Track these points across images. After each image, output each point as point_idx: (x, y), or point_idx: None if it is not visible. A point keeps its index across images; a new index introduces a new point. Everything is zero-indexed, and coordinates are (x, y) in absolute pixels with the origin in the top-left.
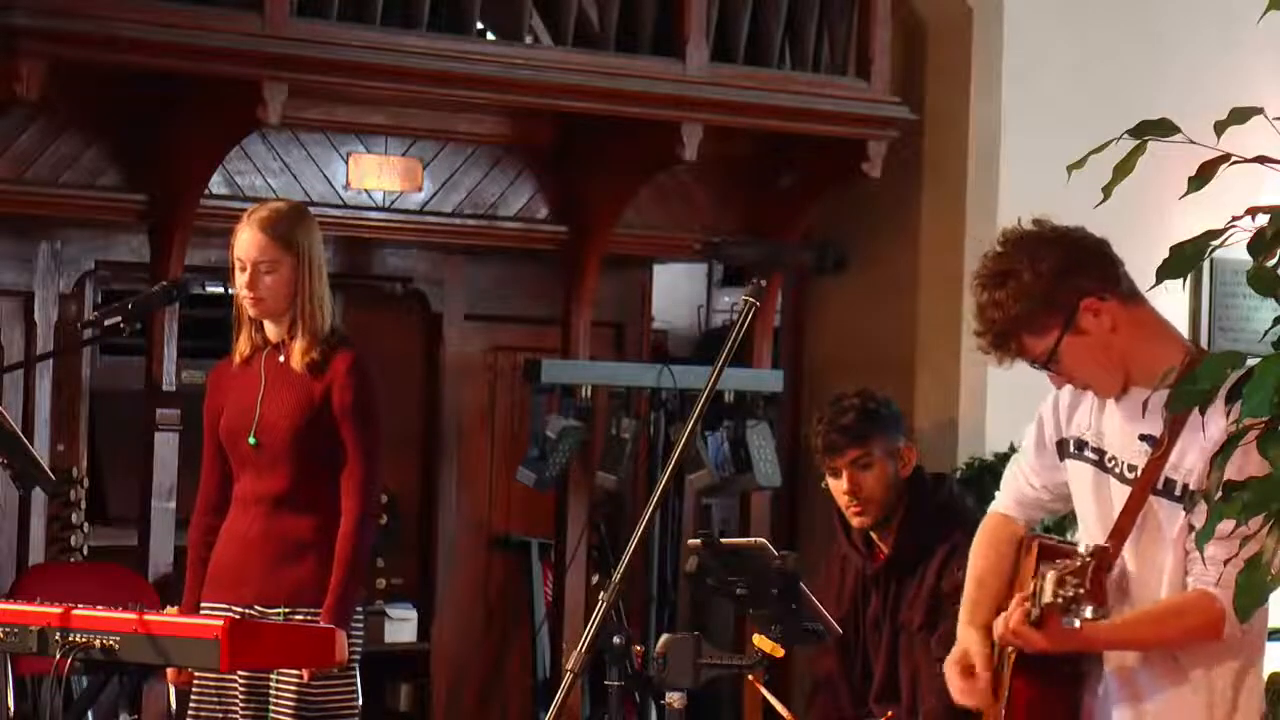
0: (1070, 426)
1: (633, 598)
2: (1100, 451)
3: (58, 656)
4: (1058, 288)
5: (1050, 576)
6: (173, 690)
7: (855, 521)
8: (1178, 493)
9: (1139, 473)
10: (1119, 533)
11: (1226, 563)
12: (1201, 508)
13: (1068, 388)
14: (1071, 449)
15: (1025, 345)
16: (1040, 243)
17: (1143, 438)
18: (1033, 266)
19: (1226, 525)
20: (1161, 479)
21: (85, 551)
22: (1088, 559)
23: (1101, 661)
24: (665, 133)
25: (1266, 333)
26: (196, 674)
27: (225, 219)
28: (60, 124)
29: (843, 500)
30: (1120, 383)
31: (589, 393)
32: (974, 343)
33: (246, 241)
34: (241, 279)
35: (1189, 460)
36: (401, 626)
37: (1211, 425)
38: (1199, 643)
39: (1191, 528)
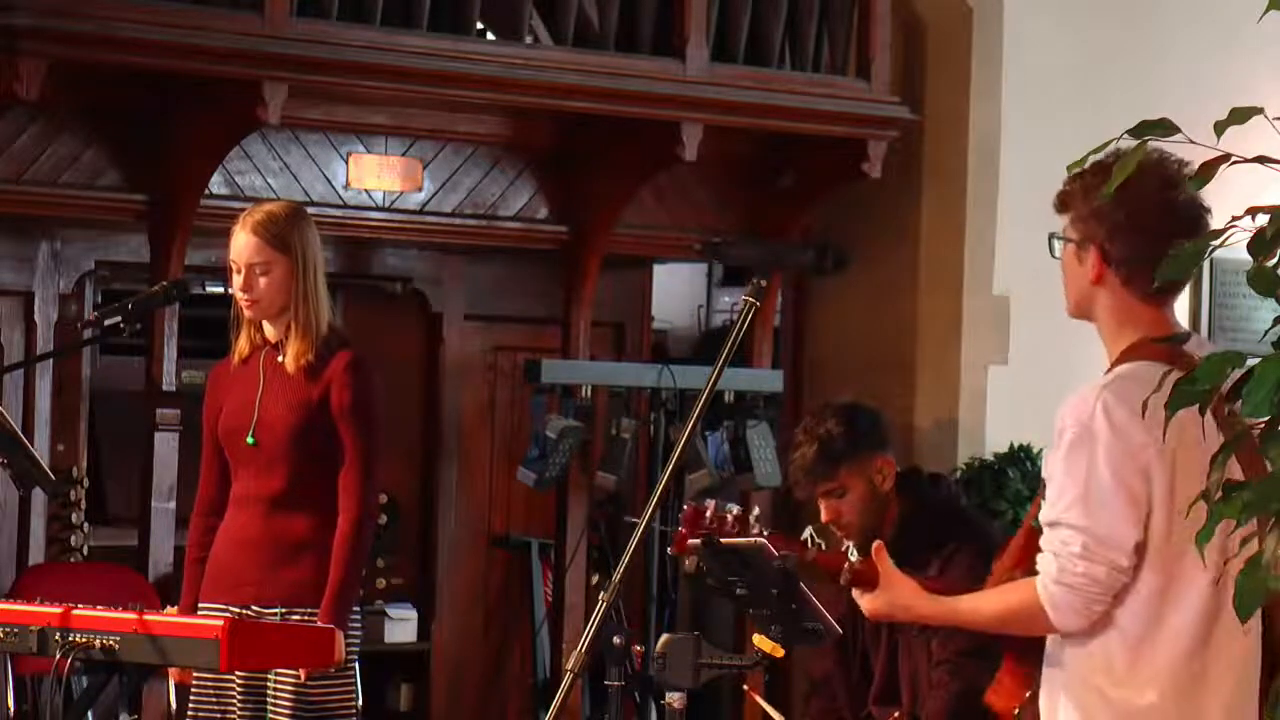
0: None
1: (633, 598)
2: None
3: (58, 656)
4: (1098, 211)
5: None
6: (173, 689)
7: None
8: None
9: None
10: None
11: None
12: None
13: None
14: None
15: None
16: (1147, 167)
17: None
18: (1094, 185)
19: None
20: None
21: (85, 551)
22: None
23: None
24: (665, 133)
25: (1266, 333)
26: (195, 674)
27: (225, 219)
28: (60, 124)
29: (829, 523)
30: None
31: (589, 393)
32: (973, 342)
33: (240, 244)
34: (237, 281)
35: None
36: (401, 626)
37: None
38: (1029, 629)
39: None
